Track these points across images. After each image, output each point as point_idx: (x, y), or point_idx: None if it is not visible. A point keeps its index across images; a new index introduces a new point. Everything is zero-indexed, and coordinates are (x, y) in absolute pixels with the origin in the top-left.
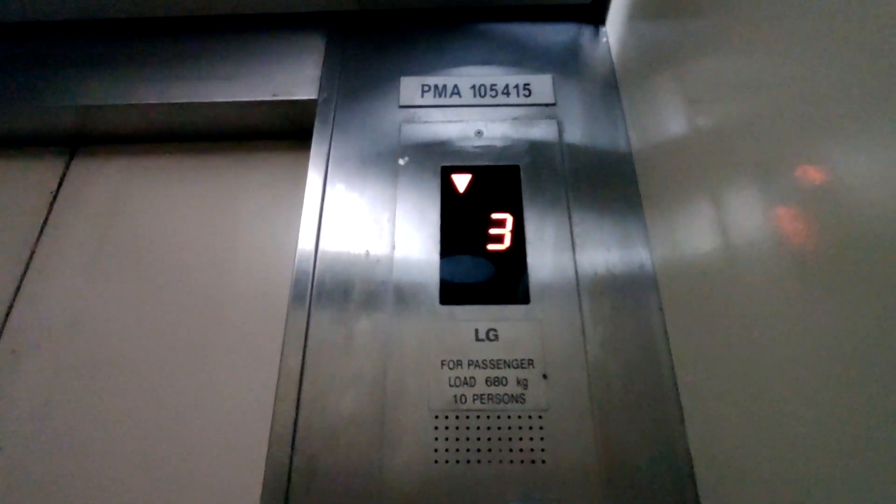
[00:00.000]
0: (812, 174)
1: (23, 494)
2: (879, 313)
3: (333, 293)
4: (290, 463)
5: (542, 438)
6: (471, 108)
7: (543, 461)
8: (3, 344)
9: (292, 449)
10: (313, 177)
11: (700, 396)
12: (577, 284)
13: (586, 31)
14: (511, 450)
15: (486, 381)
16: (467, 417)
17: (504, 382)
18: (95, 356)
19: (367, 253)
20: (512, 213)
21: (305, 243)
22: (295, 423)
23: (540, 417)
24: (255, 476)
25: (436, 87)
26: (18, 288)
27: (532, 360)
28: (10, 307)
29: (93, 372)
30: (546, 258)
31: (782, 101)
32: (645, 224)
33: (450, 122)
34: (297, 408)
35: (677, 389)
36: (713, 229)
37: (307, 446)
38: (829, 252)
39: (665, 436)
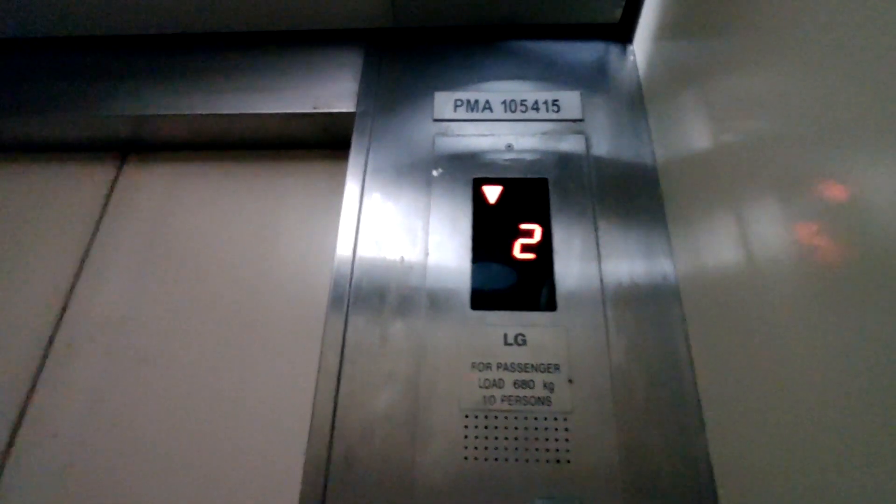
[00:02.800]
0: (834, 190)
1: (75, 478)
2: None
3: (370, 297)
4: (329, 455)
5: (566, 440)
6: (502, 122)
7: (568, 461)
8: (60, 338)
9: (330, 442)
10: (351, 186)
11: (721, 406)
12: (602, 293)
13: (614, 50)
14: (537, 449)
15: (514, 383)
16: (496, 417)
17: (531, 385)
18: (144, 351)
19: (402, 259)
20: (540, 224)
21: (343, 249)
22: (333, 418)
23: (565, 419)
24: (295, 467)
25: (468, 101)
26: (73, 286)
27: (558, 365)
28: (66, 303)
29: (141, 365)
30: (572, 267)
31: (805, 118)
32: (669, 236)
33: (481, 135)
34: (335, 404)
35: (699, 398)
36: (736, 242)
37: (344, 440)
38: (850, 267)
39: (686, 443)
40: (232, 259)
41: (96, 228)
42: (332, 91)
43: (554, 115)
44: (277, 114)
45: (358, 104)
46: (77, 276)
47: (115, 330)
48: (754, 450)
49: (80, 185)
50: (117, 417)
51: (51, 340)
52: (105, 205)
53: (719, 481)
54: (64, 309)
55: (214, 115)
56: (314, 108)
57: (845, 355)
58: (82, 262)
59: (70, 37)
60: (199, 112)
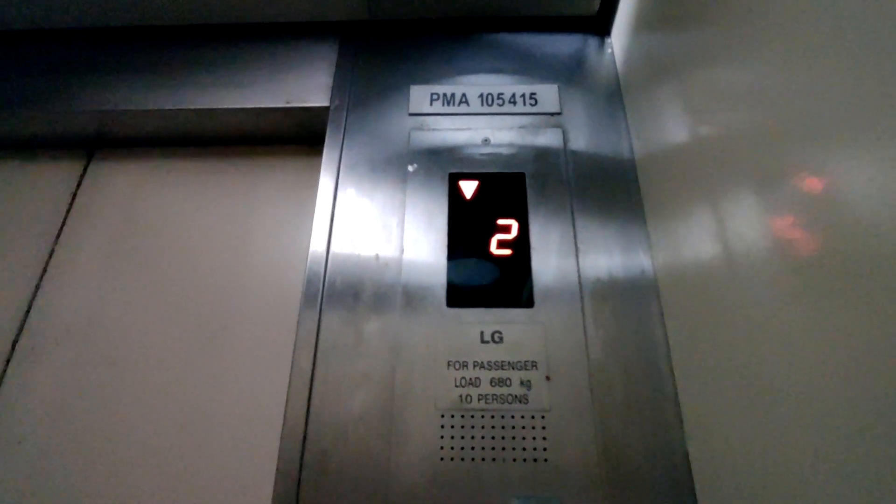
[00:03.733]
0: (811, 183)
1: (41, 486)
2: (877, 320)
3: (344, 295)
4: (302, 458)
5: (544, 438)
6: (478, 116)
7: (546, 460)
8: (23, 341)
9: (303, 444)
10: (325, 181)
11: (699, 399)
12: (580, 289)
13: (592, 42)
14: (514, 448)
15: (491, 381)
16: (472, 417)
17: (508, 383)
18: (111, 354)
19: (377, 256)
20: (517, 219)
21: (317, 246)
22: (306, 420)
23: (543, 417)
24: (267, 470)
25: (444, 95)
26: (38, 287)
27: (535, 363)
28: (30, 305)
29: (109, 369)
30: (550, 263)
31: (782, 111)
32: (647, 231)
33: (458, 129)
34: (309, 405)
35: (677, 392)
36: (714, 236)
37: (318, 442)
38: (827, 259)
39: (664, 437)
40: (203, 259)
41: (61, 228)
42: (306, 85)
43: (531, 109)
44: (249, 108)
45: (332, 98)
46: (41, 277)
47: (81, 333)
48: (732, 444)
49: (45, 182)
50: (84, 423)
51: (14, 344)
52: (71, 203)
53: (697, 476)
54: (27, 311)
55: (184, 111)
56: (287, 102)
57: (821, 348)
58: (46, 263)
59: (33, 30)
60: (169, 107)
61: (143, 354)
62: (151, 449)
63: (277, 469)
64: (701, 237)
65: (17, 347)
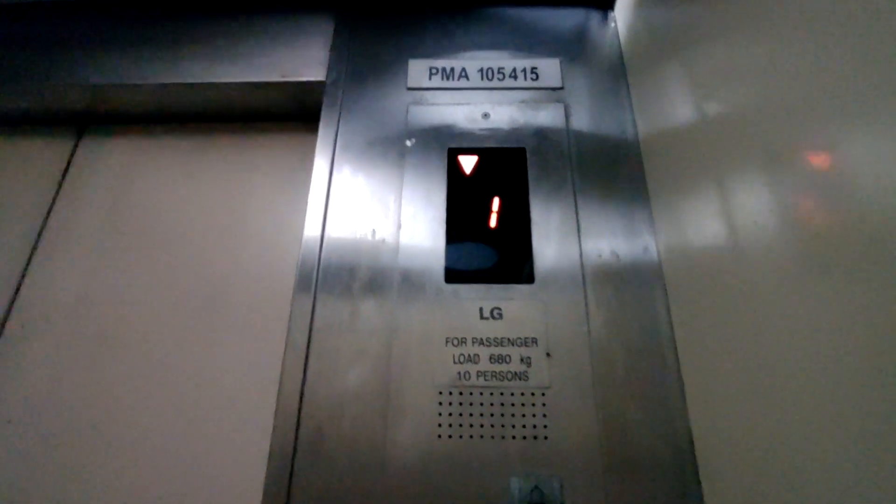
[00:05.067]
0: (820, 161)
1: (30, 465)
2: (883, 299)
3: (340, 271)
4: (296, 434)
5: (544, 415)
6: (478, 90)
7: (545, 437)
8: (13, 319)
9: (298, 420)
10: (321, 157)
11: (702, 378)
12: (582, 266)
13: (595, 16)
14: (514, 426)
15: (490, 358)
16: (471, 394)
17: (508, 360)
18: (103, 332)
19: (374, 232)
20: (518, 195)
21: (313, 222)
22: (301, 396)
23: (542, 395)
24: (261, 448)
25: (444, 69)
26: (28, 265)
27: (535, 339)
28: (20, 284)
29: (100, 347)
30: (551, 239)
31: (790, 87)
32: (650, 209)
33: (457, 104)
34: (303, 381)
35: (679, 370)
36: (719, 216)
37: (313, 418)
38: (834, 237)
39: (666, 414)
40: (196, 235)
41: (52, 205)
42: (301, 59)
43: (532, 84)
44: (243, 83)
45: (328, 73)
46: (31, 255)
47: (72, 311)
48: (735, 422)
49: (34, 159)
50: (75, 401)
51: (3, 322)
52: (61, 180)
53: (699, 451)
54: (17, 290)
55: (177, 85)
56: (282, 76)
57: (827, 327)
58: (37, 240)
59: (23, 3)
60: (161, 81)
61: (135, 333)
62: (143, 428)
63: (271, 446)
64: (706, 217)
65: (6, 326)
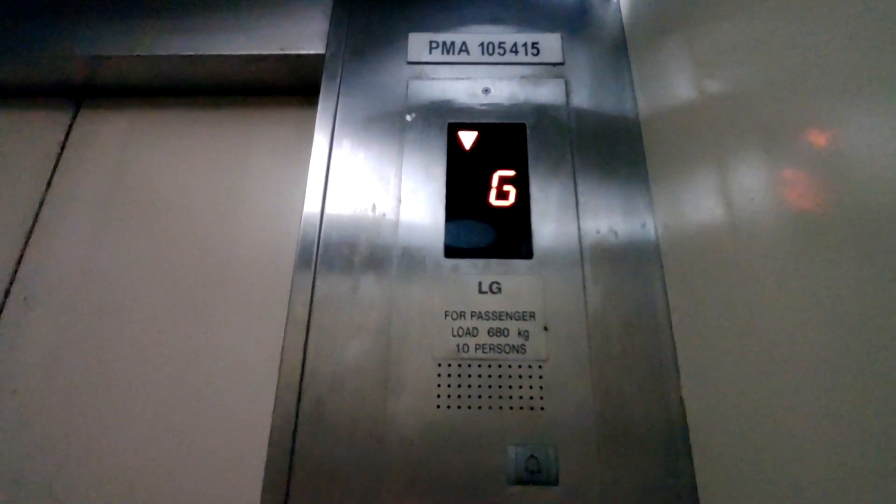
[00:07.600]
0: (820, 139)
1: (35, 435)
2: (879, 277)
3: (340, 246)
4: (298, 406)
5: (541, 387)
6: (479, 65)
7: (542, 408)
8: (15, 291)
9: (299, 392)
10: (320, 131)
11: (697, 352)
12: (580, 242)
13: None
14: (511, 397)
15: (489, 331)
16: (469, 366)
17: (506, 333)
18: (104, 304)
19: (374, 207)
20: (517, 171)
21: (313, 197)
22: (302, 369)
23: (540, 367)
24: (263, 419)
25: (444, 43)
26: (28, 238)
27: (533, 313)
28: (21, 256)
29: (101, 320)
30: (550, 215)
31: (791, 64)
32: (649, 186)
33: (457, 79)
34: (304, 354)
35: (674, 346)
36: (718, 194)
37: (314, 390)
38: (831, 216)
39: (660, 388)
40: (195, 209)
41: (51, 178)
42: (300, 31)
43: (533, 59)
44: (242, 55)
45: (327, 46)
46: (32, 228)
47: (73, 283)
48: (728, 397)
49: (32, 132)
50: (78, 373)
51: (6, 294)
52: (59, 153)
53: (691, 423)
54: (19, 262)
55: (175, 57)
56: (281, 49)
57: (822, 304)
58: (37, 213)
59: None
60: (159, 53)
61: (136, 305)
62: (145, 400)
63: (273, 417)
64: (704, 195)
65: (9, 298)
